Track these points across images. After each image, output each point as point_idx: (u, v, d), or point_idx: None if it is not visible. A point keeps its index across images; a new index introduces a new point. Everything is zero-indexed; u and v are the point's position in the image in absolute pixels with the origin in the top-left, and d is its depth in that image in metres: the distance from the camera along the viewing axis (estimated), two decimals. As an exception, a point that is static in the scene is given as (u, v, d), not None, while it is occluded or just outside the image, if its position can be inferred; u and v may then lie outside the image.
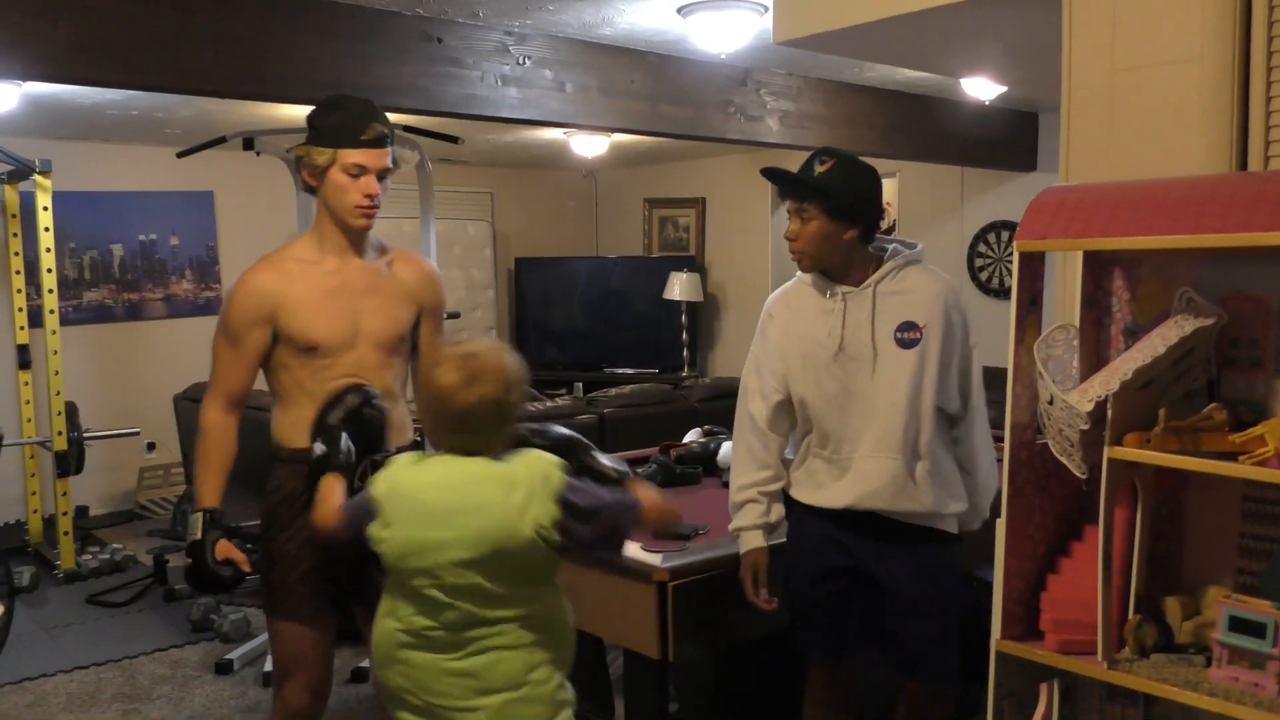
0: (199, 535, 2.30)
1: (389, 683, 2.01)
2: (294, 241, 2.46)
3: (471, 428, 1.94)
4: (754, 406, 2.52)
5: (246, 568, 2.31)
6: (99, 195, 6.38)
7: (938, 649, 2.45)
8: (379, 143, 2.33)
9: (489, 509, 1.90)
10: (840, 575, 2.48)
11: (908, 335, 2.37)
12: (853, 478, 2.41)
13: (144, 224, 6.60)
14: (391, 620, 1.99)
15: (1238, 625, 1.68)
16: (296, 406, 2.40)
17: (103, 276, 6.47)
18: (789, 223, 2.44)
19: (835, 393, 2.41)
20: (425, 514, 1.92)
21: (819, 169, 2.39)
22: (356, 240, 2.41)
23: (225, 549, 2.30)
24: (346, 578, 2.37)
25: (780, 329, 2.50)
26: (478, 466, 1.94)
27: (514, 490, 1.91)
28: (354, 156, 2.30)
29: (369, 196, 2.34)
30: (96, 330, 6.44)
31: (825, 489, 2.45)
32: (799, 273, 2.51)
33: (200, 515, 2.32)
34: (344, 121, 2.31)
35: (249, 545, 2.37)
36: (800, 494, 2.50)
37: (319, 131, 2.33)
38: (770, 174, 2.50)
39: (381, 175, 2.36)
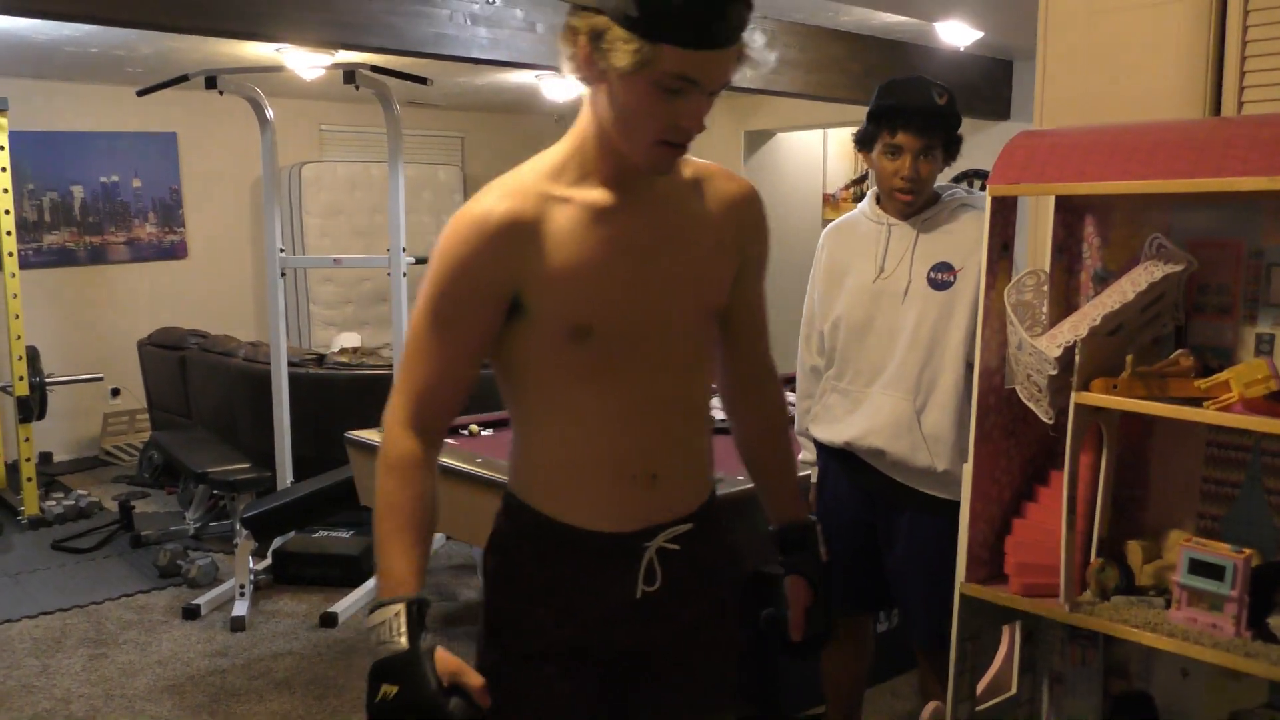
0: (403, 642, 1.28)
1: None
2: None
3: None
4: (809, 359, 2.51)
5: (486, 699, 1.31)
6: (58, 135, 6.24)
7: (933, 615, 2.31)
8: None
9: None
10: (862, 528, 2.42)
11: (940, 276, 2.29)
12: (862, 412, 2.35)
13: (105, 165, 6.46)
14: None
15: (1197, 568, 1.70)
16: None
17: (63, 219, 6.34)
18: (903, 161, 2.27)
19: (861, 321, 2.35)
20: None
21: (941, 101, 2.27)
22: None
23: (450, 663, 1.31)
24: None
25: (826, 257, 2.47)
26: None
27: None
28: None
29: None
30: (58, 274, 6.32)
31: (838, 423, 2.41)
32: (864, 204, 2.43)
33: (404, 607, 1.31)
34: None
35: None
36: (818, 430, 2.47)
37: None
38: (894, 109, 2.26)
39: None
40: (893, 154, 2.29)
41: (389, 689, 1.26)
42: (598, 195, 1.41)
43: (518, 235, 1.36)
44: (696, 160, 1.52)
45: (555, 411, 1.43)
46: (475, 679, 1.31)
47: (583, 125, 1.42)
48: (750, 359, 1.63)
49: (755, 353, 1.63)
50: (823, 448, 2.49)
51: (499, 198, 1.38)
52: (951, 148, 2.33)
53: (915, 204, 2.32)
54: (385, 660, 1.28)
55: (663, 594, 1.47)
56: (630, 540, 1.45)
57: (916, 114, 2.26)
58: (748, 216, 1.53)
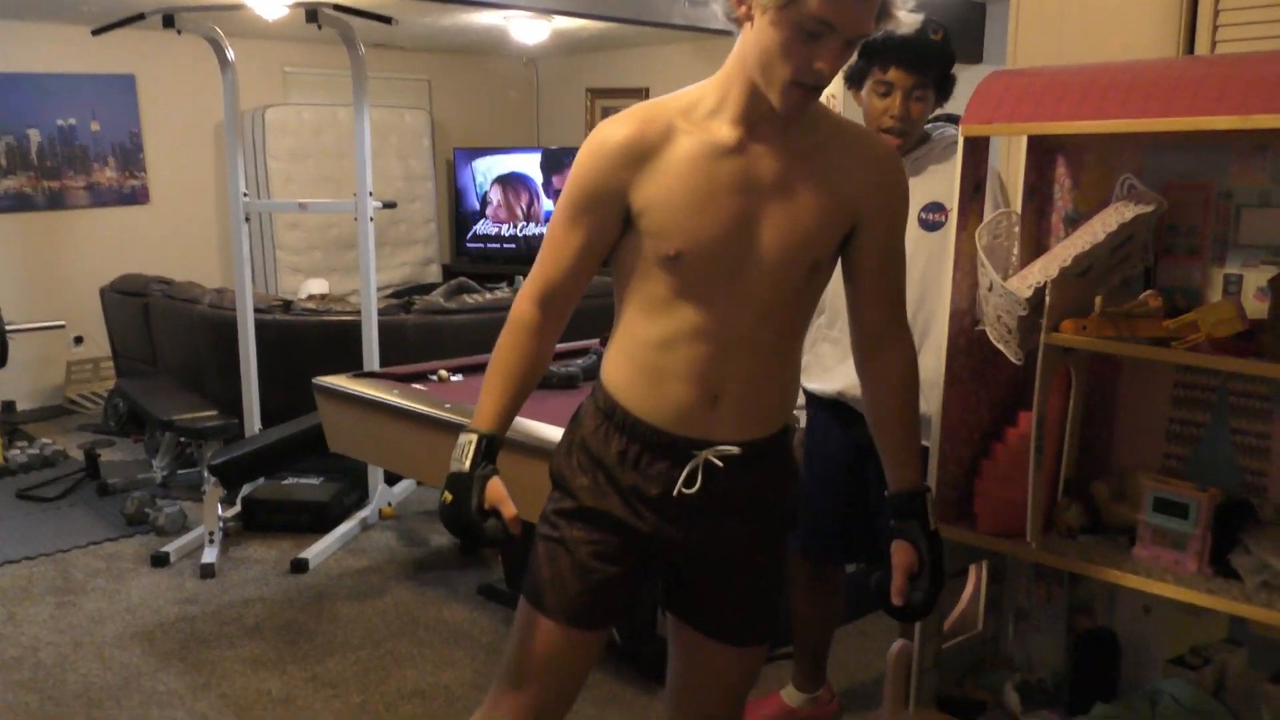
0: (465, 465, 1.59)
1: None
2: None
3: None
4: None
5: (516, 529, 1.59)
6: (10, 77, 6.06)
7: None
8: None
9: None
10: (853, 480, 2.34)
11: (932, 217, 2.21)
12: (850, 363, 2.28)
13: (61, 108, 6.30)
14: None
15: (1162, 506, 1.72)
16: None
17: (20, 163, 6.19)
18: (894, 100, 2.18)
19: None
20: None
21: (936, 37, 2.16)
22: None
23: (496, 493, 1.59)
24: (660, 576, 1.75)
25: None
26: None
27: None
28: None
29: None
30: (16, 219, 6.19)
31: (829, 373, 2.33)
32: None
33: (476, 438, 1.60)
34: None
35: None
36: (809, 380, 2.38)
37: None
38: (887, 45, 2.11)
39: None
40: (884, 91, 2.20)
41: (446, 496, 1.59)
42: (723, 133, 1.51)
43: (633, 158, 1.51)
44: (841, 119, 1.61)
45: (644, 317, 1.59)
46: (510, 510, 1.57)
47: (729, 65, 1.52)
48: (874, 316, 1.66)
49: (880, 310, 1.66)
50: (814, 398, 2.42)
51: (624, 122, 1.53)
52: (944, 88, 2.25)
53: (904, 146, 2.26)
54: (451, 475, 1.58)
55: (697, 501, 1.60)
56: (682, 443, 1.59)
57: (910, 50, 2.15)
58: (875, 176, 1.58)
